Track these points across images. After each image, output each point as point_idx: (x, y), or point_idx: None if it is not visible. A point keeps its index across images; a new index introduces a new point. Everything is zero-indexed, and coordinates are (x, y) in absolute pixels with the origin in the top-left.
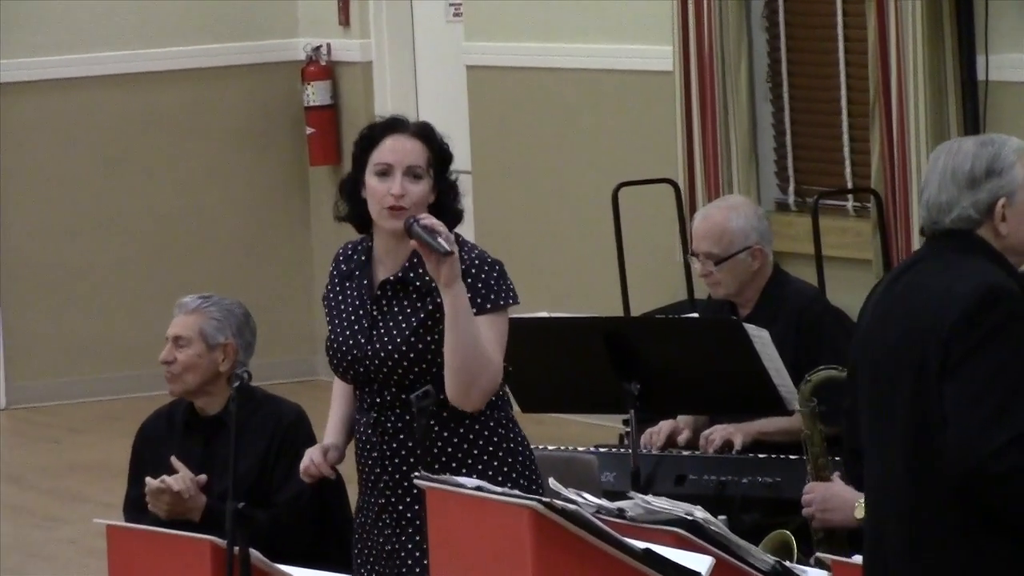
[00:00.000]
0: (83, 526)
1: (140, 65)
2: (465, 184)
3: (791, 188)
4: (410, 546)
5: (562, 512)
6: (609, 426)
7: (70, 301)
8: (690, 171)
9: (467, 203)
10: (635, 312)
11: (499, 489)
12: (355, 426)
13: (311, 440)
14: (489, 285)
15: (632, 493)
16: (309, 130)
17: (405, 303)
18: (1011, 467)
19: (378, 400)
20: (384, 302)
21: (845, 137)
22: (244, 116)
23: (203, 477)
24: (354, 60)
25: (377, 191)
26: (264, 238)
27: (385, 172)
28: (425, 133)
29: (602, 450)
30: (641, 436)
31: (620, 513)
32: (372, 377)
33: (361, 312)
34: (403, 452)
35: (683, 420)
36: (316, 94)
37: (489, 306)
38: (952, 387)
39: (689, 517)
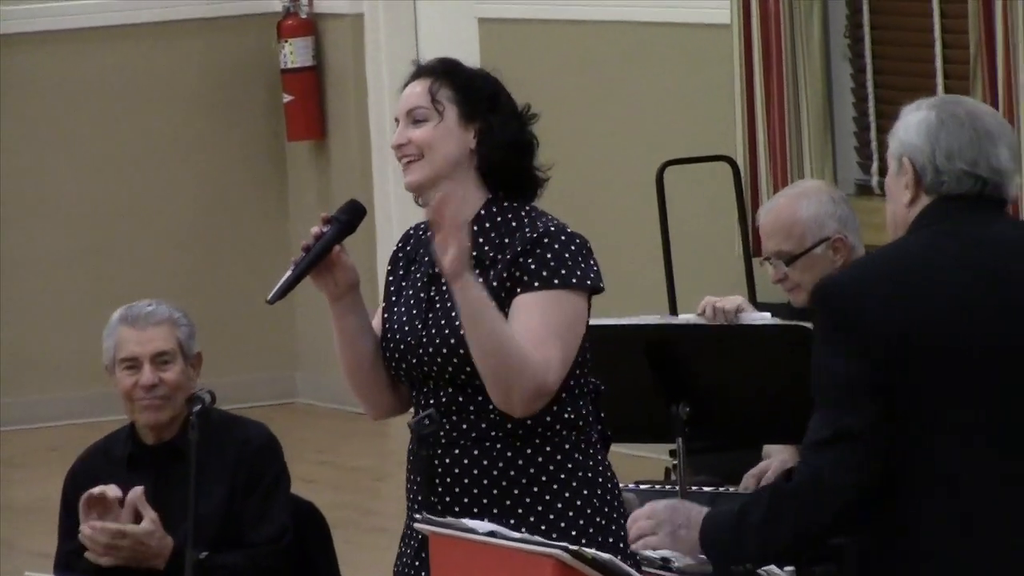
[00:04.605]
0: None
1: (71, 20)
2: None
3: (875, 167)
4: None
5: (592, 562)
6: (652, 458)
7: None
8: (751, 146)
9: None
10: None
11: (516, 535)
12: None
13: (285, 470)
14: (561, 258)
15: None
16: (287, 97)
17: None
18: None
19: (432, 402)
20: (444, 281)
21: None
22: (207, 80)
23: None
24: (341, 12)
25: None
26: (231, 230)
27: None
28: (436, 69)
29: (643, 487)
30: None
31: (664, 563)
32: (427, 372)
33: (422, 295)
34: (456, 470)
35: (775, 452)
36: (295, 53)
37: (544, 283)
38: None
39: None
